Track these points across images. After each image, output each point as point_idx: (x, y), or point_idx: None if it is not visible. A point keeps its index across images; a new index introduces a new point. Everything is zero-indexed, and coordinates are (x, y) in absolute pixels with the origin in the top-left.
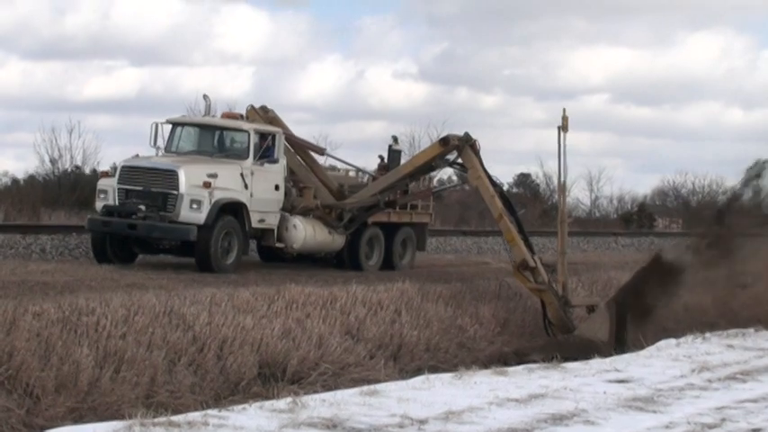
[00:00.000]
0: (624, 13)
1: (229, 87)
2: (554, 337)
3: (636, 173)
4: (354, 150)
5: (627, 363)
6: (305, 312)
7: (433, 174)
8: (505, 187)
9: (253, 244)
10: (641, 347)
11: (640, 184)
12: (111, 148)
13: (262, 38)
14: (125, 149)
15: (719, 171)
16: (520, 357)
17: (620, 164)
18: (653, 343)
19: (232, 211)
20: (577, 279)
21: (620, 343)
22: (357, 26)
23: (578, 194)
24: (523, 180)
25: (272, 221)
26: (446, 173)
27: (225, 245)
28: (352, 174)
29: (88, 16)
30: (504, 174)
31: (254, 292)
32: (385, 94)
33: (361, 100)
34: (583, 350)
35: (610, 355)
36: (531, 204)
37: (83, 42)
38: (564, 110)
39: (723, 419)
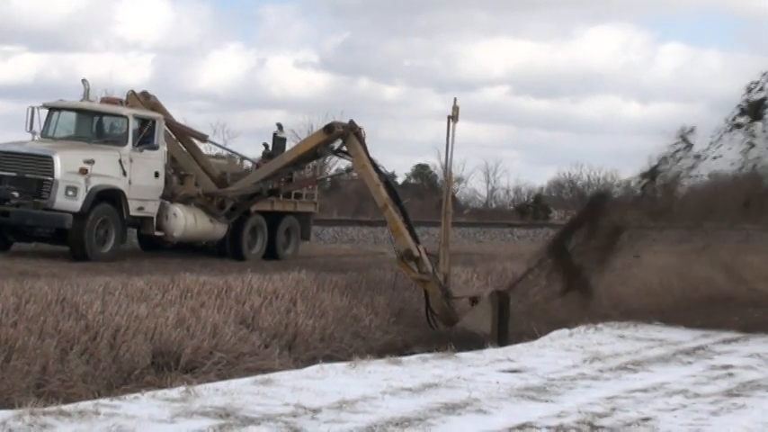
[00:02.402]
0: (525, 6)
1: (129, 75)
2: (436, 329)
3: (534, 165)
4: (254, 139)
5: (520, 353)
6: (199, 301)
7: (329, 162)
8: (403, 178)
9: (133, 232)
10: (527, 339)
11: (537, 176)
12: (6, 133)
13: (163, 25)
14: (20, 136)
15: (615, 164)
16: (401, 350)
17: (518, 156)
18: (546, 333)
19: (109, 198)
20: (472, 269)
21: (502, 335)
22: (259, 15)
23: (475, 185)
24: (421, 171)
25: (152, 209)
26: (345, 162)
27: (101, 233)
28: (247, 163)
29: None
30: (403, 165)
31: (149, 281)
32: (286, 83)
33: (262, 89)
34: (465, 342)
35: (487, 347)
36: (427, 195)
37: None
38: (455, 99)
39: (613, 409)
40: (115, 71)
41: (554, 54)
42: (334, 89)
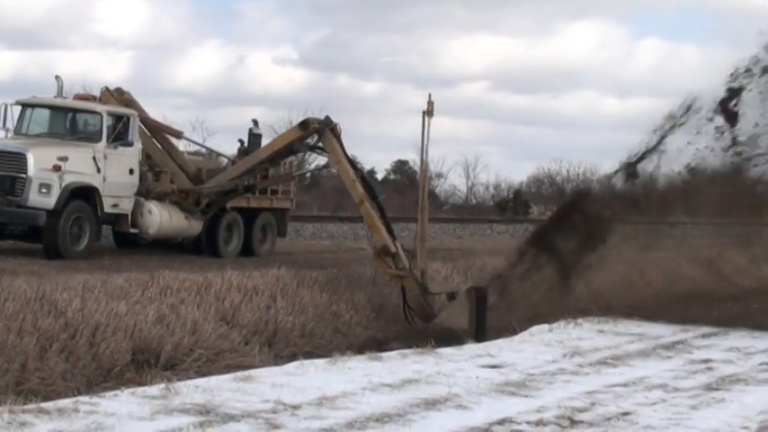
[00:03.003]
0: (504, 1)
1: (108, 72)
2: (414, 325)
3: (513, 160)
4: (233, 136)
5: (500, 348)
6: (179, 298)
7: (309, 158)
8: (382, 174)
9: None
10: (507, 334)
11: (517, 172)
12: None
13: (141, 22)
14: None
15: (594, 159)
16: (381, 346)
17: (498, 151)
18: (525, 328)
19: (83, 195)
20: (452, 265)
21: (480, 331)
22: (238, 11)
23: (455, 181)
24: (401, 167)
25: (126, 206)
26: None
27: (75, 230)
28: (223, 159)
29: None
30: (383, 161)
31: (128, 278)
32: (265, 79)
33: (241, 85)
34: (442, 338)
35: (466, 343)
36: (407, 191)
37: None
38: (429, 95)
39: (593, 403)
40: (94, 68)
41: (533, 50)
42: (314, 85)
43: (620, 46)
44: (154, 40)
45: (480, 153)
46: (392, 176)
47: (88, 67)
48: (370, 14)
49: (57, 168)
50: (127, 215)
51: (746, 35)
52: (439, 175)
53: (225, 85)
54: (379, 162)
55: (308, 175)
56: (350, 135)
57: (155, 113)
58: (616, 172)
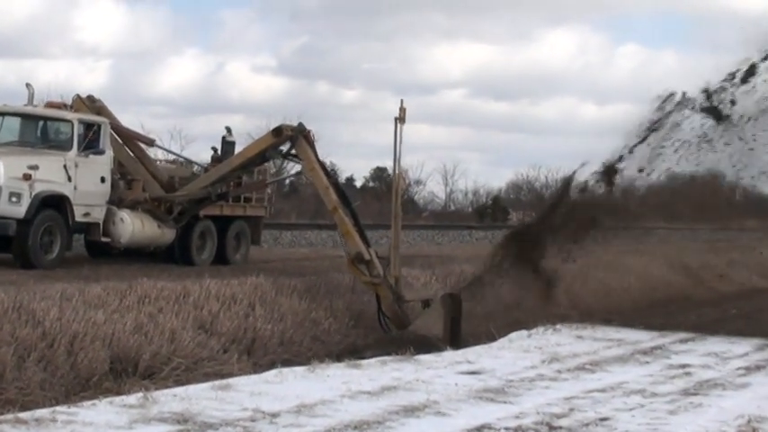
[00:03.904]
0: (484, 9)
1: (87, 80)
2: (389, 332)
3: (492, 167)
4: (212, 144)
5: (479, 354)
6: (157, 307)
7: (287, 165)
8: (361, 181)
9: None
10: (486, 340)
11: (496, 178)
12: None
13: (121, 30)
14: None
15: (572, 165)
16: (359, 353)
17: (477, 158)
18: (504, 334)
19: (54, 204)
20: (431, 272)
21: (455, 338)
22: (217, 20)
23: (433, 188)
24: (379, 174)
25: (98, 215)
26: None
27: (46, 240)
28: (196, 168)
29: None
30: (363, 168)
31: (106, 287)
32: (244, 87)
33: (221, 93)
34: (418, 346)
35: (444, 350)
36: (385, 198)
37: None
38: (401, 101)
39: (571, 409)
40: (73, 77)
41: (512, 56)
42: (293, 93)
43: (599, 52)
44: (133, 48)
45: (459, 159)
46: (371, 184)
47: (67, 76)
48: (349, 22)
49: (27, 177)
50: (99, 224)
51: (725, 40)
52: (417, 182)
53: (203, 93)
54: (358, 169)
55: (287, 182)
56: (329, 142)
57: (133, 122)
58: (595, 176)
